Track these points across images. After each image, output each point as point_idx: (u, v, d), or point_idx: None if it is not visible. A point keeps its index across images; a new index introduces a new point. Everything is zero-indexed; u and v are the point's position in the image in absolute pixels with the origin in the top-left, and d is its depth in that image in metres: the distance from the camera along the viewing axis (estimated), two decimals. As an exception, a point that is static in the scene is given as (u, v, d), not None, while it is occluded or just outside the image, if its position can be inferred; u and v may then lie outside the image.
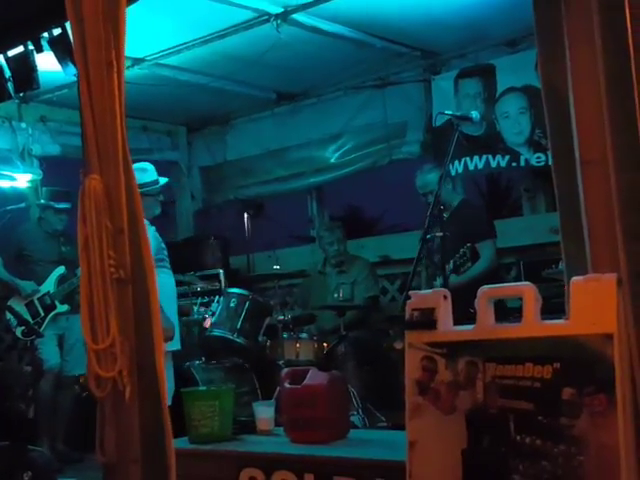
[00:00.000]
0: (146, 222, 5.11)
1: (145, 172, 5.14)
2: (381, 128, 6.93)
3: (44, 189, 6.41)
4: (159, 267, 4.90)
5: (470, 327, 2.43)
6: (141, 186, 4.97)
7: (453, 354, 2.40)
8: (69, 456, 5.85)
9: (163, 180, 5.25)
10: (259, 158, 7.82)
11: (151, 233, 5.02)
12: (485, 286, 2.44)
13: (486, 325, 2.36)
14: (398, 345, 4.81)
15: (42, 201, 6.27)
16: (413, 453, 2.43)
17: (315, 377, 3.41)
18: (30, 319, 5.85)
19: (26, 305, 5.98)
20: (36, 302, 6.01)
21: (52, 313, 6.00)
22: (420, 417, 2.44)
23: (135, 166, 5.26)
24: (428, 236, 4.14)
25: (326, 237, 6.54)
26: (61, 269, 6.12)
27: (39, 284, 6.04)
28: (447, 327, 2.49)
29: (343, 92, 7.17)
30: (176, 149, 8.33)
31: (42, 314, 5.98)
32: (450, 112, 5.02)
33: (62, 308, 6.03)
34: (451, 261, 4.58)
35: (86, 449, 5.62)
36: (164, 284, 4.93)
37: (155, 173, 5.16)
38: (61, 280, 6.08)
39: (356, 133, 7.14)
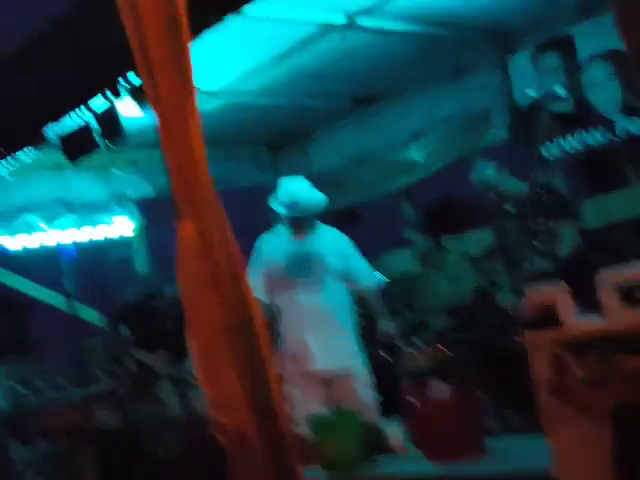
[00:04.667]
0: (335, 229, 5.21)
1: (311, 190, 5.15)
2: (463, 118, 6.79)
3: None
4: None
5: (596, 318, 2.30)
6: (316, 206, 5.07)
7: (583, 350, 2.27)
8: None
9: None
10: (344, 167, 7.78)
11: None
12: (609, 270, 2.30)
13: (615, 315, 2.22)
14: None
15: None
16: (556, 458, 2.32)
17: (439, 389, 3.32)
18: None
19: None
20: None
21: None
22: (558, 420, 2.32)
23: (299, 184, 5.22)
24: (535, 227, 3.95)
25: (416, 237, 6.48)
26: (165, 352, 6.30)
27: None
28: (572, 322, 2.36)
29: (418, 88, 7.04)
30: (261, 171, 8.37)
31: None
32: (534, 93, 4.82)
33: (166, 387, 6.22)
34: (535, 243, 4.40)
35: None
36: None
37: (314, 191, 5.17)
38: (164, 360, 6.28)
39: (438, 127, 7.01)
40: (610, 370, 2.20)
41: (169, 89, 1.86)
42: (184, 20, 1.85)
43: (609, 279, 2.26)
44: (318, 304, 5.07)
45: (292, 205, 5.07)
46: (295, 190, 5.12)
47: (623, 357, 2.16)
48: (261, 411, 1.99)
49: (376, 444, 3.59)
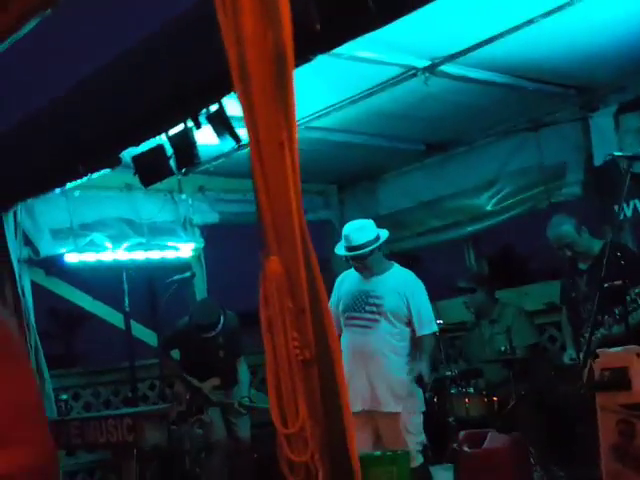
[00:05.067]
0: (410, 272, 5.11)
1: (364, 230, 5.16)
2: (537, 171, 6.72)
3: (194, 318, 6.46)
4: None
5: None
6: (364, 245, 5.07)
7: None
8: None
9: (384, 233, 5.23)
10: (411, 210, 7.78)
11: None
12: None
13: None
14: None
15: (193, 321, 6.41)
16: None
17: (495, 440, 3.27)
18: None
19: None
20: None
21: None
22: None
23: (353, 225, 5.26)
24: (605, 285, 3.87)
25: (470, 288, 6.44)
26: (216, 380, 6.38)
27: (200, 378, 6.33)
28: (645, 388, 2.30)
29: (495, 138, 7.02)
30: (328, 208, 8.40)
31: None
32: (620, 153, 4.73)
33: (213, 412, 6.29)
34: (616, 310, 4.28)
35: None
36: None
37: (374, 229, 5.17)
38: (214, 388, 6.36)
39: (511, 178, 6.96)
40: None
41: (269, 121, 1.87)
42: (290, 51, 1.85)
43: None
44: (367, 344, 5.07)
45: (346, 242, 5.12)
46: (348, 226, 5.19)
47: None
48: (333, 450, 1.96)
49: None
